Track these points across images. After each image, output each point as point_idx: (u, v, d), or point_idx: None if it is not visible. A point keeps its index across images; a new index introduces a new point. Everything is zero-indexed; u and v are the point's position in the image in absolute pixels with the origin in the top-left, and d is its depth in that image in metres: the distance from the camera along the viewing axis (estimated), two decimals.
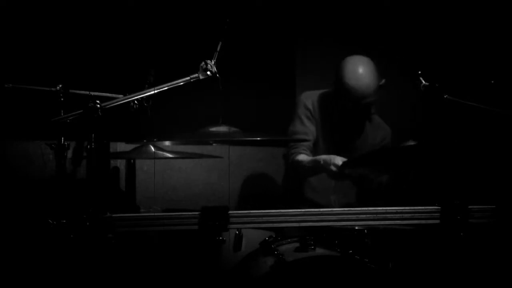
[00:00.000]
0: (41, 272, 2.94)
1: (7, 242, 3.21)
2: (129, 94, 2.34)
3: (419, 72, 2.55)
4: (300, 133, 3.41)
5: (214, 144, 3.57)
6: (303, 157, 3.33)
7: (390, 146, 3.45)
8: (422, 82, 2.53)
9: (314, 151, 3.41)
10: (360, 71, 3.17)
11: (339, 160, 3.06)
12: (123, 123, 2.56)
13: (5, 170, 3.44)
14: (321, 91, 3.49)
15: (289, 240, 2.76)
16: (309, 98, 3.45)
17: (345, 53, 3.45)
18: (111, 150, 3.25)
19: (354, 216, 2.28)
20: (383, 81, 3.26)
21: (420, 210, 2.29)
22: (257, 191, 4.10)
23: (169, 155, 3.27)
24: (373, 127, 3.50)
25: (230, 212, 2.23)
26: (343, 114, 3.36)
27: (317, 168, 3.20)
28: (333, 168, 3.06)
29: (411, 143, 2.88)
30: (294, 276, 2.50)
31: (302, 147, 3.38)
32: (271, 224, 2.31)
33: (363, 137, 3.47)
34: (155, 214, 2.27)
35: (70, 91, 2.75)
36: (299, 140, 3.39)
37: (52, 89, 2.73)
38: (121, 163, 3.69)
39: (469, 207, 2.27)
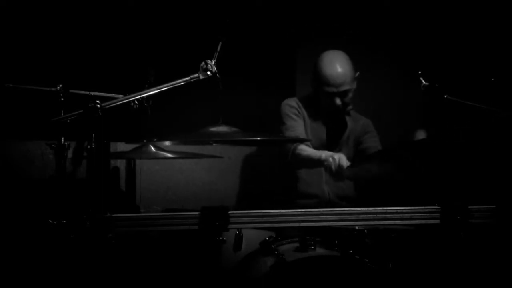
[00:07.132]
0: (41, 272, 2.94)
1: (8, 242, 3.21)
2: (129, 94, 2.34)
3: (419, 72, 2.55)
4: (294, 128, 3.49)
5: (214, 144, 3.57)
6: (304, 147, 3.39)
7: (376, 134, 3.62)
8: (422, 82, 2.53)
9: None
10: (336, 62, 3.45)
11: (344, 161, 3.07)
12: (123, 123, 2.56)
13: (5, 170, 3.44)
14: (299, 96, 3.69)
15: (289, 240, 2.76)
16: (292, 101, 3.61)
17: (345, 54, 3.46)
18: (111, 150, 3.27)
19: (354, 216, 2.28)
20: (358, 73, 3.50)
21: (420, 210, 2.28)
22: (256, 191, 4.09)
23: (169, 155, 3.27)
24: (353, 120, 3.64)
25: (230, 212, 2.23)
26: (327, 112, 3.54)
27: (316, 161, 3.26)
28: (333, 167, 3.08)
29: (421, 134, 2.96)
30: (294, 276, 2.50)
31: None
32: (271, 224, 2.30)
33: (348, 131, 3.59)
34: (155, 214, 2.27)
35: (70, 91, 2.75)
36: (301, 139, 3.41)
37: (52, 89, 2.73)
38: (121, 163, 3.69)
39: (469, 207, 2.26)
